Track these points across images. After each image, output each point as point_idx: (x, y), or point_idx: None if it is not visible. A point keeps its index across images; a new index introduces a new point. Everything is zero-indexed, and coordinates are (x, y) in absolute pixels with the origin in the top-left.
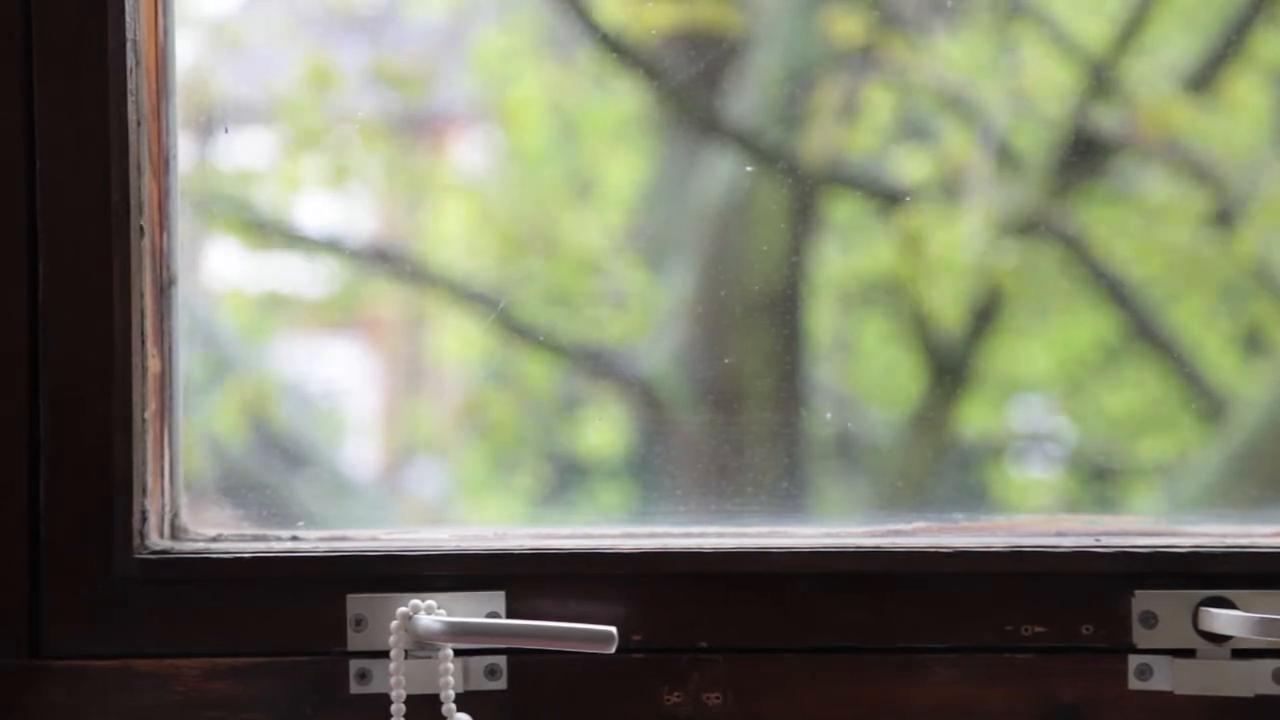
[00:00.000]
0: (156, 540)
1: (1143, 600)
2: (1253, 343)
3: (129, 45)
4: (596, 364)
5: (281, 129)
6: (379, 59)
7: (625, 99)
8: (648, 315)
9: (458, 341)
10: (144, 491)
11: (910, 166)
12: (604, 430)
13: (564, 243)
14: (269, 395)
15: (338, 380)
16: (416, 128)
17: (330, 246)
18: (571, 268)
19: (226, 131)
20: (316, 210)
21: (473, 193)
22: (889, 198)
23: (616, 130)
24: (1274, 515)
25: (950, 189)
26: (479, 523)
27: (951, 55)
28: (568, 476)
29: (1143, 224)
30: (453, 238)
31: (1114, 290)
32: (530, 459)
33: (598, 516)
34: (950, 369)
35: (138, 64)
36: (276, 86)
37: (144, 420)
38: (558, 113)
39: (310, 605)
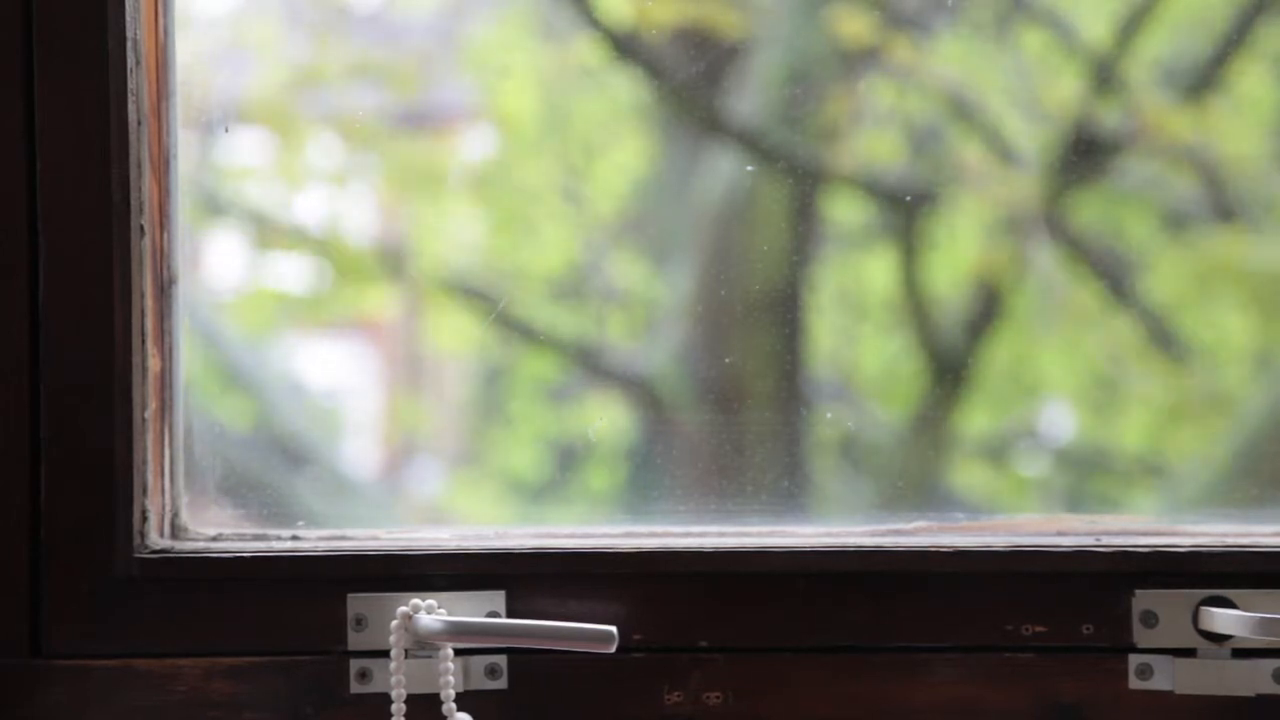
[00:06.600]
0: (157, 540)
1: (1143, 600)
2: (1253, 343)
3: (129, 45)
4: (597, 363)
5: (281, 127)
6: (378, 60)
7: (627, 96)
8: (648, 314)
9: (458, 340)
10: (144, 491)
11: (912, 166)
12: (604, 430)
13: (564, 241)
14: (269, 394)
15: (338, 379)
16: (416, 124)
17: (330, 244)
18: (571, 266)
19: (226, 131)
20: (316, 208)
21: (473, 190)
22: (890, 198)
23: (617, 127)
24: (1274, 515)
25: (952, 189)
26: (479, 522)
27: (954, 55)
28: (566, 476)
29: (1147, 225)
30: (453, 235)
31: (1116, 291)
32: (528, 457)
33: (598, 516)
34: (951, 369)
35: (138, 64)
36: (276, 85)
37: (144, 420)
38: (558, 110)
39: (310, 605)
